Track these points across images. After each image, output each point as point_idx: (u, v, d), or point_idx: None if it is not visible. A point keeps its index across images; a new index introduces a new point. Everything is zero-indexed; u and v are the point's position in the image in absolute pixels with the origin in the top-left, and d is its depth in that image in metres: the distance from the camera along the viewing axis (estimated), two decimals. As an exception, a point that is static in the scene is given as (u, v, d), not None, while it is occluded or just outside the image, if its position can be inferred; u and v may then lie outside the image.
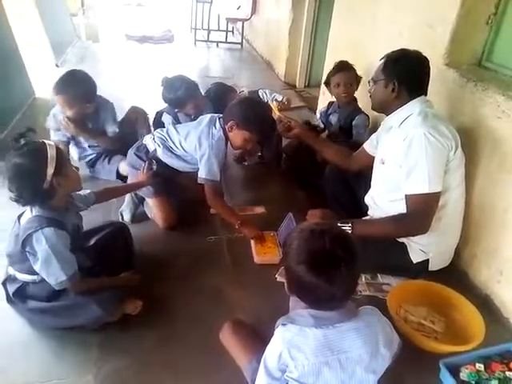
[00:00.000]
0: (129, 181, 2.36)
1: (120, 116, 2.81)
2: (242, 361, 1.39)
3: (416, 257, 1.85)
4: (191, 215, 2.36)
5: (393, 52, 1.82)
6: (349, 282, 1.05)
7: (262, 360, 1.11)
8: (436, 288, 1.77)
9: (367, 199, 2.06)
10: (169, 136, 2.22)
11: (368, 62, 2.81)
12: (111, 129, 2.62)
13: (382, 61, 1.82)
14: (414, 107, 1.76)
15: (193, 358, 1.55)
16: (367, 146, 2.14)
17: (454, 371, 1.49)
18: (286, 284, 1.13)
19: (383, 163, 1.90)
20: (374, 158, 2.05)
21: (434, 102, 2.15)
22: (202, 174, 2.11)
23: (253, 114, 2.07)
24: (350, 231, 1.70)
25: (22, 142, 1.44)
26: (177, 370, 1.50)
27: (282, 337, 1.06)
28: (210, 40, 6.61)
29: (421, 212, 1.71)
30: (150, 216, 2.34)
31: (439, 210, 1.76)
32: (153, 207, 2.28)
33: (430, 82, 1.82)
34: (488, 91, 1.85)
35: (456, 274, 2.01)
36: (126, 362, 1.52)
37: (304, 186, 2.74)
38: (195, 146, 2.11)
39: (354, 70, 2.71)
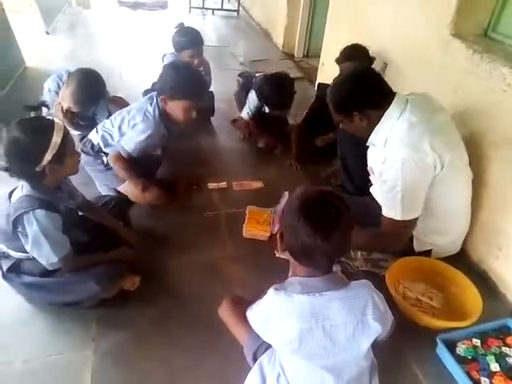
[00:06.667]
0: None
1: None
2: (240, 335, 1.40)
3: (419, 247, 1.82)
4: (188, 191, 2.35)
5: (332, 84, 1.68)
6: (342, 238, 1.06)
7: (248, 313, 1.16)
8: (434, 264, 1.77)
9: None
10: (111, 122, 2.12)
11: (369, 32, 2.73)
12: None
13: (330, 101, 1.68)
14: (389, 122, 1.60)
15: (192, 332, 1.55)
16: None
17: (451, 346, 1.50)
18: (279, 244, 1.16)
19: (373, 173, 1.83)
20: None
21: (439, 73, 2.09)
22: (121, 142, 2.05)
23: (177, 80, 1.99)
24: None
25: (32, 114, 1.37)
26: (175, 345, 1.51)
27: (274, 301, 1.09)
28: (205, 7, 6.38)
29: (394, 234, 1.71)
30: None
31: (442, 213, 1.72)
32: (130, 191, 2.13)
33: (385, 80, 1.66)
34: (494, 63, 1.79)
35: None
36: (125, 337, 1.52)
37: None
38: (129, 120, 2.05)
39: (366, 58, 2.47)
